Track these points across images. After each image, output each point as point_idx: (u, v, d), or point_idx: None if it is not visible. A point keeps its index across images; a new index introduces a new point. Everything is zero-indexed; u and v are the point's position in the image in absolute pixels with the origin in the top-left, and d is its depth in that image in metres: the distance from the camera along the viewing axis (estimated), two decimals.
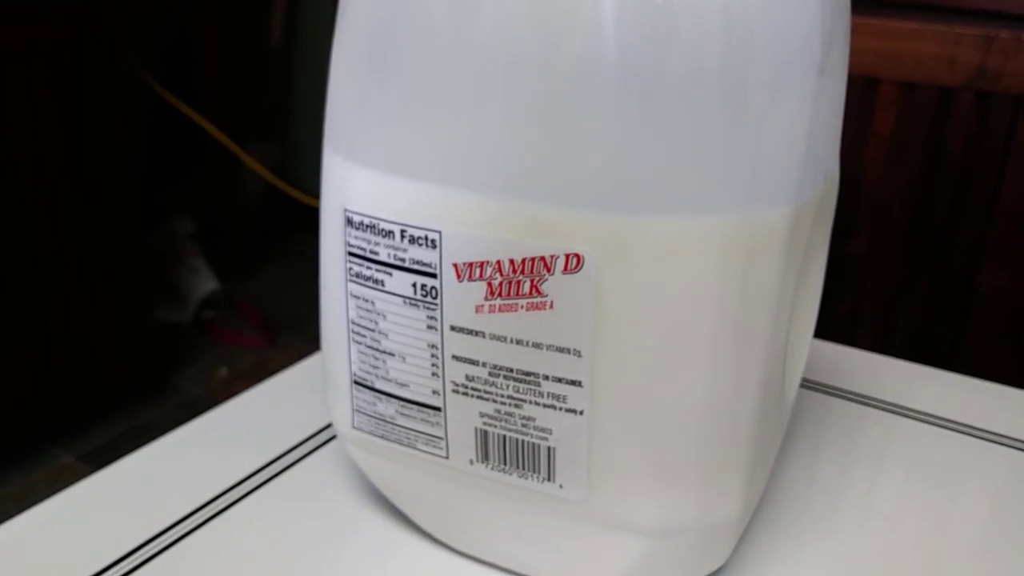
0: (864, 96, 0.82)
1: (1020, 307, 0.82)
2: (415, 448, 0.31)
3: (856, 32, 0.82)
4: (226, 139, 1.58)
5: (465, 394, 0.29)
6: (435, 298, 0.28)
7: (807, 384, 0.47)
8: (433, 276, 0.28)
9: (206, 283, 1.63)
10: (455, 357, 0.28)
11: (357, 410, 0.32)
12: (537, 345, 0.27)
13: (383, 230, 0.28)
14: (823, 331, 0.49)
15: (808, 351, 0.37)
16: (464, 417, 0.29)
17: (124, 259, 1.37)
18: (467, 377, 0.28)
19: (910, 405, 0.45)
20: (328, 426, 0.41)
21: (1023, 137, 0.78)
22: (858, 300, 0.88)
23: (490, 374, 0.28)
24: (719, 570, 0.32)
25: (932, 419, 0.44)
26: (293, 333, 1.60)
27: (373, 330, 0.30)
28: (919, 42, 0.80)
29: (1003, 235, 0.80)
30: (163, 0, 1.61)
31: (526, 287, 0.27)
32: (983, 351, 0.84)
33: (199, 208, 1.71)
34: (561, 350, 0.27)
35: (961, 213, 0.82)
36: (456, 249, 0.27)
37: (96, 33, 1.26)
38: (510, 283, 0.27)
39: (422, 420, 0.30)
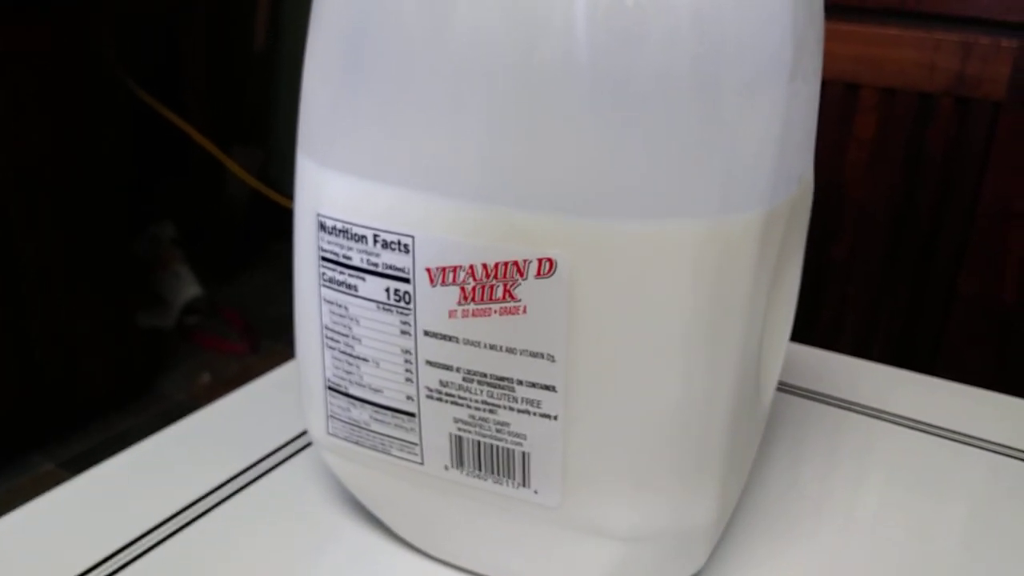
0: (845, 101, 0.83)
1: (1000, 311, 0.82)
2: (390, 454, 0.31)
3: (837, 38, 0.83)
4: (210, 144, 1.57)
5: (439, 399, 0.29)
6: (408, 303, 0.28)
7: (788, 389, 0.47)
8: (406, 281, 0.27)
9: (189, 289, 1.62)
10: (429, 362, 0.28)
11: (332, 416, 0.31)
12: (511, 350, 0.27)
13: (356, 235, 0.28)
14: (805, 336, 0.49)
15: (784, 355, 0.37)
16: (438, 423, 0.29)
17: (107, 265, 1.36)
18: (441, 382, 0.28)
19: (890, 409, 0.45)
20: (305, 432, 0.41)
21: (1002, 142, 0.78)
22: (840, 304, 0.88)
23: (464, 379, 0.28)
24: (696, 574, 0.32)
25: (912, 423, 0.44)
26: (276, 339, 1.59)
27: (347, 335, 0.29)
28: (899, 48, 0.80)
29: (983, 239, 0.81)
30: (147, 6, 1.60)
31: (499, 292, 0.26)
32: (964, 355, 0.84)
33: (182, 214, 1.70)
34: (535, 355, 0.27)
35: (942, 218, 0.83)
36: (429, 254, 0.27)
37: (80, 39, 1.25)
38: (483, 288, 0.27)
39: (396, 426, 0.30)
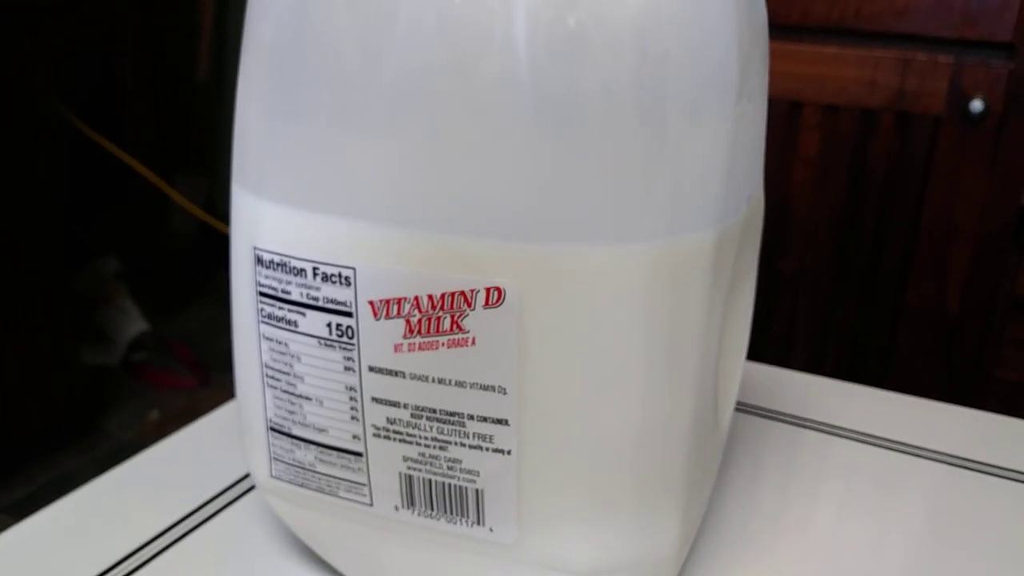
0: (789, 119, 0.84)
1: (946, 322, 0.83)
2: (337, 496, 0.29)
3: (779, 57, 0.84)
4: (152, 175, 1.54)
5: (387, 438, 0.27)
6: (351, 338, 0.26)
7: (743, 408, 0.46)
8: (348, 315, 0.26)
9: (134, 324, 1.58)
10: (375, 399, 0.27)
11: (275, 458, 0.30)
12: (460, 384, 0.26)
13: (294, 268, 0.27)
14: (758, 353, 0.49)
15: (741, 374, 0.36)
16: (387, 462, 0.28)
17: (46, 301, 1.32)
18: (388, 420, 0.27)
19: (844, 424, 0.45)
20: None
21: (943, 156, 0.80)
22: (791, 319, 0.89)
23: (412, 416, 0.27)
24: None
25: (865, 437, 0.44)
26: (226, 372, 1.55)
27: (288, 373, 0.28)
28: (840, 66, 0.81)
29: (927, 251, 0.82)
30: (84, 34, 1.57)
31: (446, 323, 0.25)
32: (913, 364, 0.85)
33: (126, 247, 1.66)
34: (486, 388, 0.26)
35: (886, 232, 0.84)
36: (371, 286, 0.26)
37: (13, 69, 1.22)
38: (429, 320, 0.26)
39: (343, 466, 0.29)
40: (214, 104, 1.72)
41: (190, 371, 1.58)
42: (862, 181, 0.83)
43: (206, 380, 1.57)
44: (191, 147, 1.72)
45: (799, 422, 0.45)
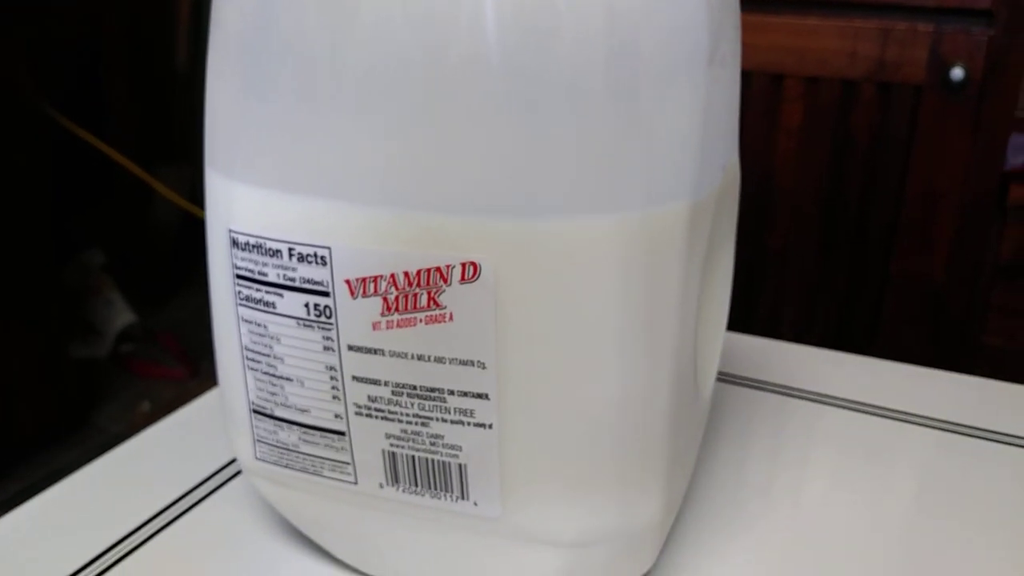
0: (771, 92, 0.84)
1: (931, 290, 0.84)
2: (321, 475, 0.29)
3: (759, 29, 0.84)
4: (135, 167, 1.53)
5: (369, 416, 0.27)
6: (329, 317, 0.26)
7: (729, 379, 0.46)
8: (326, 295, 0.26)
9: (122, 316, 1.57)
10: (355, 378, 0.27)
11: (259, 440, 0.30)
12: (439, 359, 0.26)
13: (270, 249, 0.27)
14: (745, 325, 0.49)
15: (722, 344, 0.36)
16: (370, 440, 0.28)
17: (33, 295, 1.31)
18: (369, 398, 0.27)
19: (833, 393, 0.45)
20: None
21: (925, 125, 0.80)
22: (778, 292, 0.89)
23: (393, 393, 0.27)
24: (647, 574, 0.32)
25: (853, 404, 0.44)
26: (214, 361, 1.55)
27: (268, 355, 0.28)
28: (821, 37, 0.81)
29: (911, 221, 0.82)
30: (62, 29, 1.56)
31: (423, 300, 0.25)
32: (900, 333, 0.86)
33: (111, 239, 1.65)
34: (465, 363, 0.26)
35: (871, 202, 0.84)
36: (347, 265, 0.26)
37: None
38: (406, 297, 0.25)
39: (326, 446, 0.29)
40: (194, 94, 1.71)
41: (179, 361, 1.58)
42: (845, 152, 0.83)
43: (195, 370, 1.57)
44: (173, 137, 1.71)
45: (787, 392, 0.45)
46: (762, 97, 0.84)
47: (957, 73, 0.77)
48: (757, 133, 0.85)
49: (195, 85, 1.71)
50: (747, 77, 0.83)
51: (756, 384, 0.46)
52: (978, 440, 0.41)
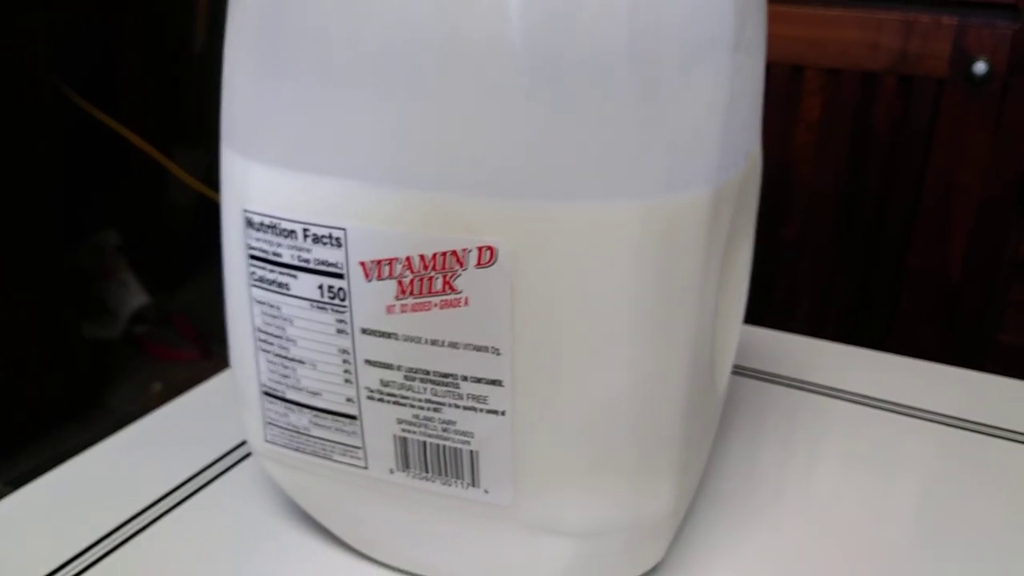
0: (791, 84, 0.83)
1: (948, 285, 0.83)
2: (332, 459, 0.29)
3: (780, 20, 0.83)
4: (150, 149, 1.53)
5: (381, 400, 0.27)
6: (343, 300, 0.26)
7: (743, 372, 0.46)
8: (340, 277, 0.26)
9: (136, 297, 1.58)
10: (368, 361, 0.27)
11: (269, 423, 0.30)
12: (453, 344, 0.26)
13: (285, 230, 0.26)
14: (758, 318, 0.49)
15: (739, 337, 0.36)
16: (381, 424, 0.28)
17: (47, 276, 1.32)
18: (382, 382, 0.27)
19: (845, 388, 0.45)
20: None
21: (946, 119, 0.79)
22: (792, 285, 0.89)
23: (406, 378, 0.27)
24: (656, 566, 0.31)
25: (867, 400, 0.44)
26: (227, 344, 1.55)
27: (280, 337, 0.28)
28: (842, 29, 0.80)
29: (929, 215, 0.81)
30: (81, 9, 1.56)
31: (438, 284, 0.25)
32: (914, 330, 0.85)
33: (125, 220, 1.65)
34: (479, 348, 0.26)
35: (889, 196, 0.83)
36: (363, 247, 0.25)
37: (9, 44, 1.21)
38: (421, 280, 0.25)
39: (337, 430, 0.28)
40: (210, 76, 1.71)
41: (192, 343, 1.58)
42: (865, 145, 0.82)
43: (208, 352, 1.57)
44: (189, 120, 1.71)
45: (799, 385, 0.45)
46: (781, 89, 0.83)
47: (980, 67, 0.76)
48: (775, 125, 0.84)
49: (212, 68, 1.71)
50: (766, 68, 0.82)
51: (768, 377, 0.46)
52: (990, 438, 0.41)
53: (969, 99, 0.78)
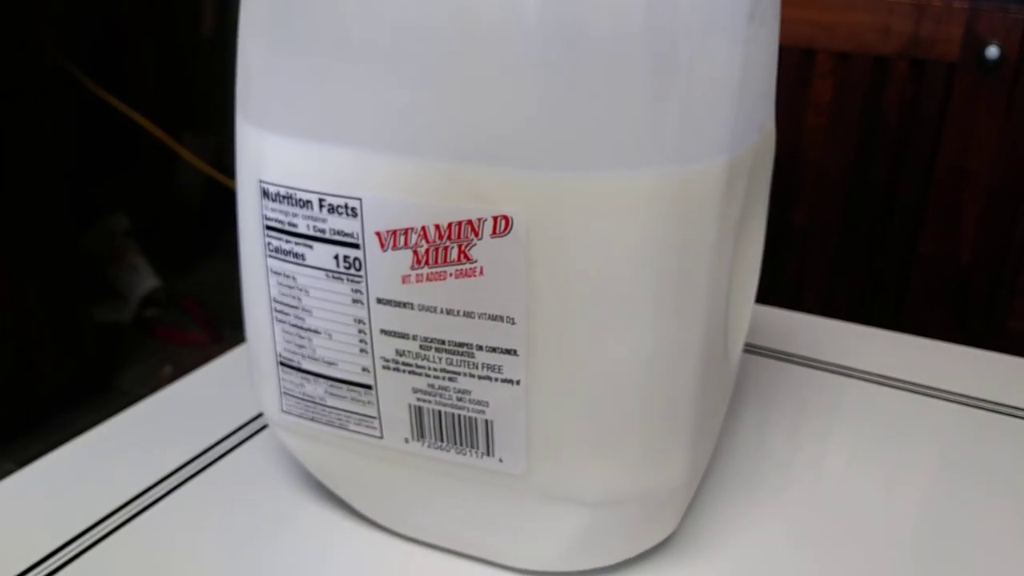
0: (801, 67, 0.82)
1: (957, 269, 0.83)
2: (347, 429, 0.29)
3: (792, 3, 0.82)
4: (160, 132, 1.53)
5: (396, 370, 0.27)
6: (359, 270, 0.26)
7: (754, 350, 0.46)
8: (355, 247, 0.26)
9: (146, 281, 1.58)
10: (383, 331, 0.27)
11: (285, 393, 0.30)
12: (469, 314, 0.26)
13: (300, 200, 0.26)
14: (768, 298, 0.49)
15: (751, 312, 0.36)
16: (396, 394, 0.28)
17: (57, 259, 1.32)
18: (397, 352, 0.27)
19: (856, 366, 0.45)
20: (262, 413, 0.39)
21: (957, 103, 0.78)
22: (802, 267, 0.88)
23: (421, 347, 0.27)
24: (668, 538, 0.32)
25: (878, 378, 0.44)
26: (238, 328, 1.56)
27: (296, 307, 0.28)
28: (853, 12, 0.80)
29: (939, 200, 0.81)
30: None
31: (454, 253, 0.25)
32: (923, 315, 0.85)
33: (135, 204, 1.66)
34: (494, 318, 0.26)
35: (899, 179, 0.83)
36: (378, 217, 0.25)
37: (19, 27, 1.21)
38: (437, 250, 0.25)
39: (353, 399, 0.29)
40: (219, 59, 1.71)
41: (202, 327, 1.59)
42: (875, 128, 0.82)
43: (218, 336, 1.58)
44: (198, 104, 1.71)
45: (812, 364, 0.45)
46: (792, 72, 0.83)
47: (992, 52, 0.76)
48: (786, 108, 0.84)
49: (221, 51, 1.71)
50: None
51: (781, 355, 0.46)
52: (1003, 416, 0.41)
53: (980, 84, 0.77)
